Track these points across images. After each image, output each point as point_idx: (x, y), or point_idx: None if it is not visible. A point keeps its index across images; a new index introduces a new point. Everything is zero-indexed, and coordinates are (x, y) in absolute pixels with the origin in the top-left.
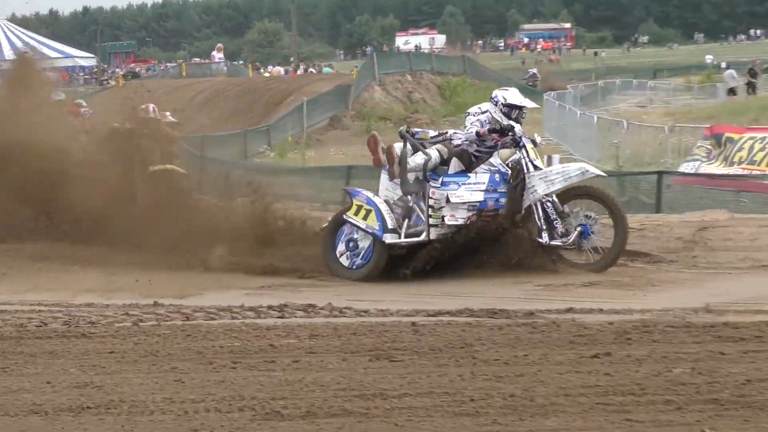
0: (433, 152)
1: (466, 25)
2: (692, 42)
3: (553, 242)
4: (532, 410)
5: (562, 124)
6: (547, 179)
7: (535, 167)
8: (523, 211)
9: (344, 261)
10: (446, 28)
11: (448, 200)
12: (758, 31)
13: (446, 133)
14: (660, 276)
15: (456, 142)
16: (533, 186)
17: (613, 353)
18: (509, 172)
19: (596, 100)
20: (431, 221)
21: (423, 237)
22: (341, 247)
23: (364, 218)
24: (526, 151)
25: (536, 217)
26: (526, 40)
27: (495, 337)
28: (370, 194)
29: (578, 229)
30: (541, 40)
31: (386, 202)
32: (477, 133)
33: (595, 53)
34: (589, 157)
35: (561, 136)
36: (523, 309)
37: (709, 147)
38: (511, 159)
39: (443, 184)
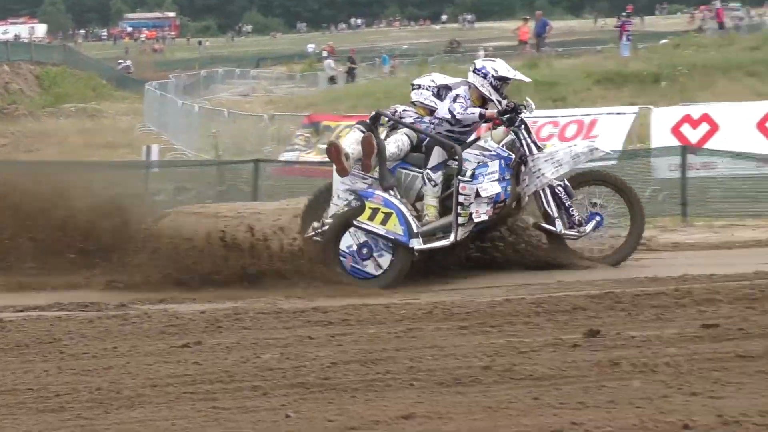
0: (405, 137)
1: (68, 14)
2: (295, 31)
3: (568, 232)
4: (118, 403)
5: (163, 114)
6: (553, 161)
7: (538, 148)
8: (527, 198)
9: (355, 269)
10: (47, 17)
11: (477, 195)
12: (359, 20)
13: (395, 111)
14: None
15: (408, 120)
16: (539, 169)
17: (203, 342)
18: (513, 156)
19: (199, 89)
20: (460, 220)
21: (451, 239)
22: (348, 254)
23: (383, 223)
24: (527, 131)
25: (545, 204)
26: (129, 29)
27: (85, 331)
28: (385, 195)
29: (596, 219)
30: (145, 29)
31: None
32: (481, 115)
33: (200, 42)
34: (189, 147)
35: (162, 126)
36: (114, 301)
37: (308, 135)
38: (506, 141)
39: (473, 177)
